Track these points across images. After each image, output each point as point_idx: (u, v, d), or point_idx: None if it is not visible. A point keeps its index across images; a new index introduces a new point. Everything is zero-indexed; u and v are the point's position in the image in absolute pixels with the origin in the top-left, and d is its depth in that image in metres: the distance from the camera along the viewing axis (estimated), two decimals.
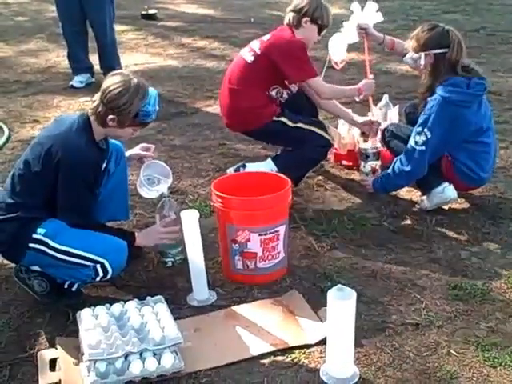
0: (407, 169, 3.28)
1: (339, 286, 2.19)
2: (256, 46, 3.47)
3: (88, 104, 5.13)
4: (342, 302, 2.14)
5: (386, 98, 4.15)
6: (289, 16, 3.49)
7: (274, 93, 3.51)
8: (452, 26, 3.27)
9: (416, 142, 3.22)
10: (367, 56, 3.82)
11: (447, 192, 3.34)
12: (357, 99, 3.79)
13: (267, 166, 3.50)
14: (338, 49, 3.83)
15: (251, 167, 3.59)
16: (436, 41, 3.19)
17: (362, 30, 3.71)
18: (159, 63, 6.71)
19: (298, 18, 3.45)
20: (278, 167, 3.45)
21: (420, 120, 3.23)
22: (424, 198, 3.44)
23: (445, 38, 3.18)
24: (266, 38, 3.49)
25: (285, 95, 3.56)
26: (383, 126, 3.86)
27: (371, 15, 3.72)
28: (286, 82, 3.51)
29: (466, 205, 3.50)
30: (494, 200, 3.54)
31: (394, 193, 3.60)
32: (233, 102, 3.52)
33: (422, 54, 3.21)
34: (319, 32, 3.52)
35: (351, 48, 6.94)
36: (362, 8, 3.77)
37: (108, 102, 2.56)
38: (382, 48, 6.82)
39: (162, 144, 4.42)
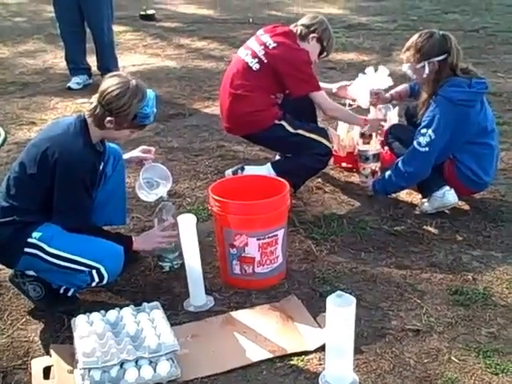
0: (410, 170, 3.25)
1: (338, 292, 2.15)
2: (259, 50, 3.39)
3: (86, 106, 5.12)
4: (341, 309, 2.10)
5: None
6: (297, 28, 3.48)
7: (274, 96, 3.48)
8: (452, 26, 3.27)
9: (419, 143, 3.19)
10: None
11: (448, 196, 3.31)
12: (361, 130, 3.74)
13: (266, 171, 3.45)
14: (362, 96, 3.81)
15: (250, 170, 3.55)
16: (437, 48, 3.18)
17: (375, 96, 3.69)
18: (157, 64, 6.68)
19: (306, 32, 3.45)
20: (276, 173, 3.39)
21: (424, 122, 3.21)
22: (424, 201, 3.41)
23: (444, 44, 3.18)
24: (269, 42, 3.39)
25: (279, 95, 3.53)
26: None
27: (383, 79, 3.75)
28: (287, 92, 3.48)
29: (467, 208, 3.46)
30: (495, 203, 3.51)
31: (393, 195, 3.57)
32: (235, 107, 3.45)
33: (426, 63, 3.19)
34: (320, 54, 3.53)
35: (351, 48, 6.98)
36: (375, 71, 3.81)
37: (106, 104, 2.53)
38: (381, 48, 6.88)
39: (160, 146, 4.38)
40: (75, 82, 5.81)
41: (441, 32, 3.24)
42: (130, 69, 6.28)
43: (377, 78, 3.77)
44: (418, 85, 3.64)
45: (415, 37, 3.25)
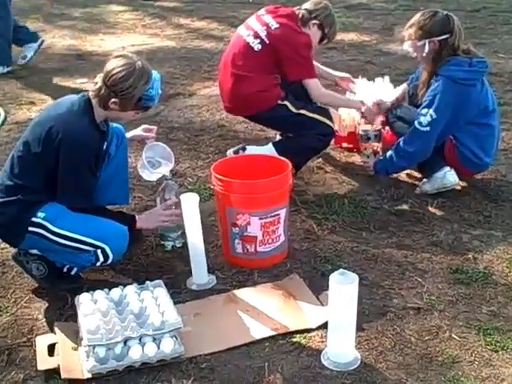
0: (411, 150, 3.26)
1: (341, 270, 2.17)
2: (261, 31, 3.37)
3: (85, 86, 5.10)
4: (344, 287, 2.12)
5: (386, 80, 4.10)
6: (300, 12, 3.45)
7: (275, 76, 3.47)
8: (453, 7, 3.26)
9: (420, 123, 3.20)
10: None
11: (448, 177, 3.32)
12: (357, 112, 3.71)
13: (268, 151, 3.45)
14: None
15: (252, 150, 3.55)
16: (439, 27, 3.17)
17: (377, 106, 3.63)
18: (156, 44, 6.64)
19: (307, 18, 3.42)
20: (278, 153, 3.39)
21: (425, 101, 3.21)
22: (425, 181, 3.42)
23: (447, 23, 3.18)
24: (272, 23, 3.37)
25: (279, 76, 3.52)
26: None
27: (388, 92, 3.73)
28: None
29: (468, 187, 3.47)
30: (496, 183, 3.52)
31: (394, 176, 3.57)
32: (237, 87, 3.43)
33: (427, 42, 3.18)
34: (320, 41, 3.51)
35: (351, 29, 6.93)
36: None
37: (111, 86, 2.51)
38: (381, 28, 6.84)
39: (160, 126, 4.36)
40: None
41: (445, 12, 3.23)
42: (129, 49, 6.25)
43: (382, 89, 3.75)
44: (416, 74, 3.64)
45: (418, 14, 3.24)
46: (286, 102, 3.41)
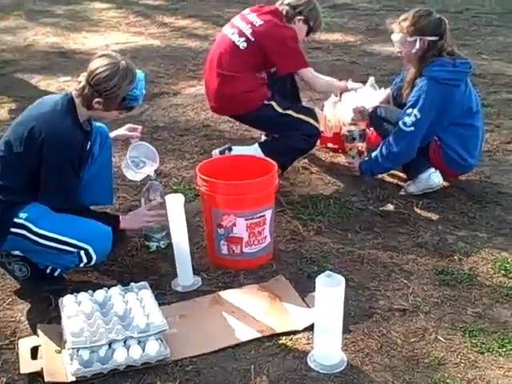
0: (395, 150, 3.26)
1: (328, 272, 2.16)
2: (246, 29, 3.36)
3: (68, 84, 5.04)
4: (330, 289, 2.11)
5: (371, 80, 4.10)
6: (283, 8, 3.43)
7: (262, 74, 3.46)
8: (437, 7, 3.28)
9: (405, 124, 3.20)
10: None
11: (433, 178, 3.33)
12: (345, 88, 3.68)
13: (254, 152, 3.43)
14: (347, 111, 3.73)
15: (237, 151, 3.53)
16: (432, 28, 3.19)
17: (359, 114, 3.62)
18: (141, 42, 6.59)
19: (292, 14, 3.41)
20: (264, 153, 3.37)
21: (409, 102, 3.22)
22: (410, 182, 3.42)
23: (439, 26, 3.20)
24: (256, 21, 3.37)
25: (266, 73, 3.51)
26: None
27: (374, 98, 3.69)
28: (275, 69, 3.46)
29: (452, 189, 3.48)
30: (480, 184, 3.53)
31: (379, 176, 3.58)
32: (224, 87, 3.41)
33: (418, 39, 3.18)
34: (307, 34, 3.50)
35: (336, 29, 6.94)
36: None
37: (95, 85, 2.48)
38: (366, 29, 6.86)
39: (145, 125, 4.32)
40: None
41: (438, 15, 3.25)
42: (113, 47, 6.20)
43: (367, 94, 3.72)
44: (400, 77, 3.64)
45: (413, 10, 3.26)
46: (272, 102, 3.39)
